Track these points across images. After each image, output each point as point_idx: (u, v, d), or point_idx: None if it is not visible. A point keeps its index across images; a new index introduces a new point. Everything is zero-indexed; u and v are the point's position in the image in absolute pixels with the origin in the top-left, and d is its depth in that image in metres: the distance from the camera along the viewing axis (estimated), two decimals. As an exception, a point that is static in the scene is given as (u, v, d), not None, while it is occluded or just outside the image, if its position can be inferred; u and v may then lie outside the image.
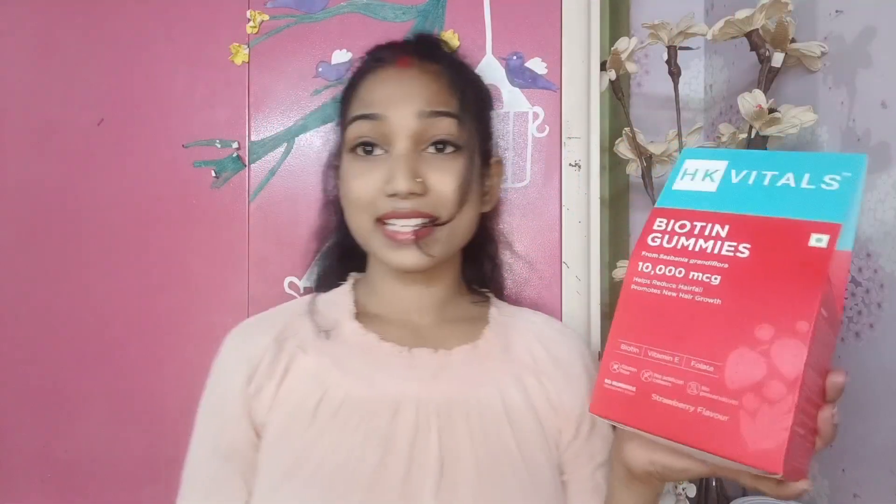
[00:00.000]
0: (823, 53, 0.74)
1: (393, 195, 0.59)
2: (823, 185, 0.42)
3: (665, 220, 0.47)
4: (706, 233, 0.44)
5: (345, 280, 0.70)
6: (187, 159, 0.87)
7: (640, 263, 0.46)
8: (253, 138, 0.87)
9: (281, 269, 0.86)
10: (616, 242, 0.97)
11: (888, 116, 0.67)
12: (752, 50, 0.76)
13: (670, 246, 0.45)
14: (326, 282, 0.72)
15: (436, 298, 0.68)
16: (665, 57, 0.80)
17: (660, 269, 0.45)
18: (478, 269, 0.76)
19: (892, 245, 0.67)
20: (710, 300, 0.42)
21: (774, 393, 0.38)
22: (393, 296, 0.67)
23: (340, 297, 0.68)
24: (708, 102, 1.03)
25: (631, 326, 0.45)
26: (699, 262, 0.44)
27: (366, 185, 0.61)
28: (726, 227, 0.44)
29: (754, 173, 0.45)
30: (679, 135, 0.81)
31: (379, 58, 0.67)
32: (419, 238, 0.60)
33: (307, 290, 0.85)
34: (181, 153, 0.87)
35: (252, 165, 0.87)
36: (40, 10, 0.89)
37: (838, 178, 0.42)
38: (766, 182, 0.45)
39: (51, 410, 0.88)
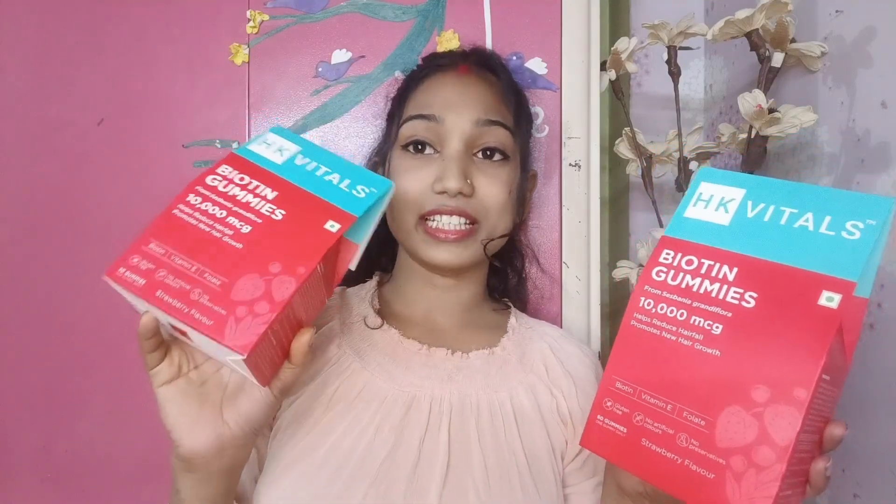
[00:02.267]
0: (823, 53, 0.74)
1: (442, 192, 0.62)
2: (844, 233, 0.40)
3: (672, 254, 0.45)
4: (713, 273, 0.43)
5: (370, 278, 0.73)
6: (187, 159, 0.87)
7: (643, 299, 0.45)
8: (253, 138, 0.87)
9: (281, 269, 0.86)
10: (616, 242, 0.97)
11: (888, 116, 0.67)
12: (752, 50, 0.76)
13: (674, 283, 0.44)
14: (353, 278, 0.74)
15: (459, 302, 0.69)
16: (665, 57, 0.80)
17: (661, 308, 0.44)
18: (503, 279, 0.78)
19: (893, 245, 0.67)
20: (710, 350, 0.41)
21: (763, 459, 0.38)
22: (418, 296, 0.69)
23: (366, 293, 0.70)
24: (708, 102, 1.03)
25: (627, 365, 0.44)
26: (702, 306, 0.42)
27: (415, 181, 0.63)
28: (734, 270, 0.43)
29: (772, 208, 0.44)
30: (679, 135, 0.81)
31: (438, 63, 0.69)
32: (459, 239, 0.62)
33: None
34: (181, 153, 0.87)
35: (252, 165, 0.86)
36: (40, 10, 0.89)
37: (861, 225, 0.40)
38: (782, 221, 0.43)
39: (51, 410, 0.88)
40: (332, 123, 0.87)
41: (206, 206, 0.48)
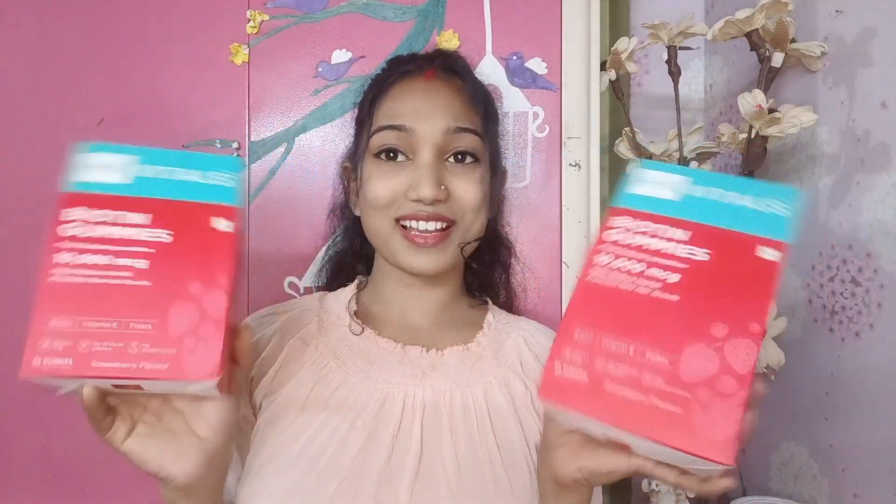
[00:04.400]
0: (823, 53, 0.74)
1: (417, 200, 0.62)
2: (774, 209, 0.46)
3: (625, 219, 0.47)
4: (667, 235, 0.46)
5: (353, 281, 0.73)
6: (187, 159, 0.87)
7: (598, 256, 0.46)
8: (253, 138, 0.87)
9: (281, 269, 0.86)
10: (616, 242, 0.97)
11: (888, 116, 0.67)
12: (752, 50, 0.76)
13: (629, 242, 0.46)
14: (336, 283, 0.76)
15: (436, 301, 0.70)
16: (665, 57, 0.80)
17: (618, 263, 0.46)
18: (483, 274, 0.78)
19: (892, 245, 0.68)
20: (668, 296, 0.44)
21: (726, 387, 0.41)
22: (393, 296, 0.70)
23: (344, 296, 0.71)
24: (708, 102, 1.03)
25: (585, 314, 0.45)
26: (659, 259, 0.45)
27: (388, 187, 0.64)
28: (688, 234, 0.45)
29: (712, 189, 0.47)
30: (679, 135, 0.81)
31: (404, 69, 0.69)
32: (437, 242, 0.63)
33: (307, 290, 0.85)
34: (181, 153, 0.87)
35: (252, 165, 0.87)
36: (40, 10, 0.89)
37: (787, 205, 0.46)
38: (722, 198, 0.47)
39: (51, 410, 0.88)
40: (332, 123, 0.87)
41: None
